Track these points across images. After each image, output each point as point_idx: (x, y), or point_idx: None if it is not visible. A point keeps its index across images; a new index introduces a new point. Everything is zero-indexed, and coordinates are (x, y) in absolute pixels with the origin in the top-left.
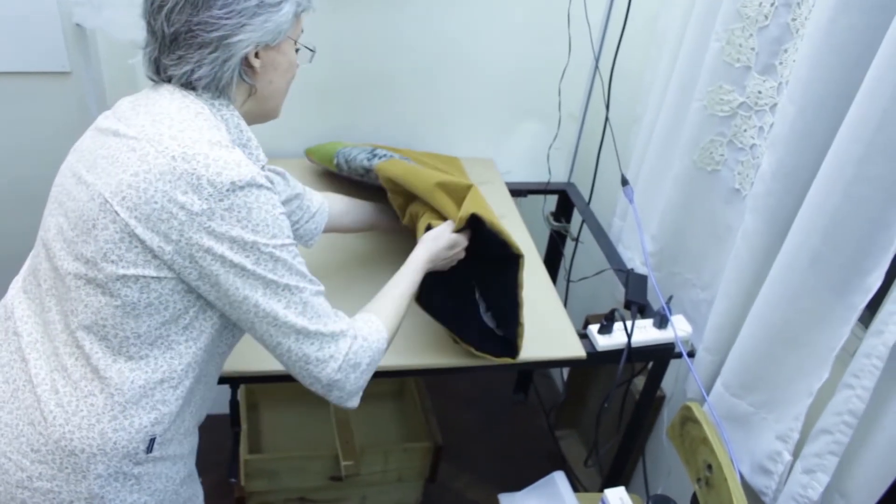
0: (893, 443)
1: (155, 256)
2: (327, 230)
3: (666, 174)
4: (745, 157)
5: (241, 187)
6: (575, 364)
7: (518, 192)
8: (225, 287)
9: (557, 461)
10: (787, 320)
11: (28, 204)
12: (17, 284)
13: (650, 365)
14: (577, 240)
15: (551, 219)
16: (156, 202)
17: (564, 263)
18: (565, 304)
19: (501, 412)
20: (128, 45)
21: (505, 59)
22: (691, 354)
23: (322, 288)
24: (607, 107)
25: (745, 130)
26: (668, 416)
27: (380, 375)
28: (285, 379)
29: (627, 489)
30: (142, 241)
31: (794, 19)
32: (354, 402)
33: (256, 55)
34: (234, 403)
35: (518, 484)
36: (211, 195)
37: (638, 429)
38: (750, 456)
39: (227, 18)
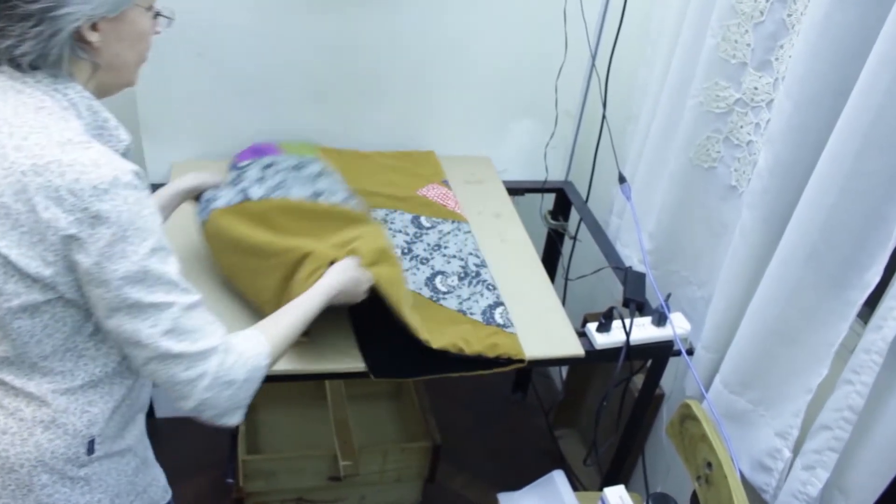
0: (893, 438)
1: (36, 280)
2: None
3: (662, 171)
4: (742, 153)
5: (105, 190)
6: (573, 362)
7: (515, 190)
8: (95, 301)
9: (556, 460)
10: (786, 317)
11: None
12: None
13: (649, 363)
14: (574, 238)
15: (549, 217)
16: (21, 225)
17: (562, 262)
18: (563, 303)
19: (500, 412)
20: None
21: (501, 57)
22: (690, 352)
23: (196, 298)
24: (604, 104)
25: (742, 127)
26: (667, 414)
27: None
28: (283, 379)
29: (627, 488)
30: (20, 269)
31: (789, 15)
32: (234, 420)
33: (95, 28)
34: None
35: (517, 483)
36: (74, 206)
37: (637, 427)
38: (749, 453)
39: None
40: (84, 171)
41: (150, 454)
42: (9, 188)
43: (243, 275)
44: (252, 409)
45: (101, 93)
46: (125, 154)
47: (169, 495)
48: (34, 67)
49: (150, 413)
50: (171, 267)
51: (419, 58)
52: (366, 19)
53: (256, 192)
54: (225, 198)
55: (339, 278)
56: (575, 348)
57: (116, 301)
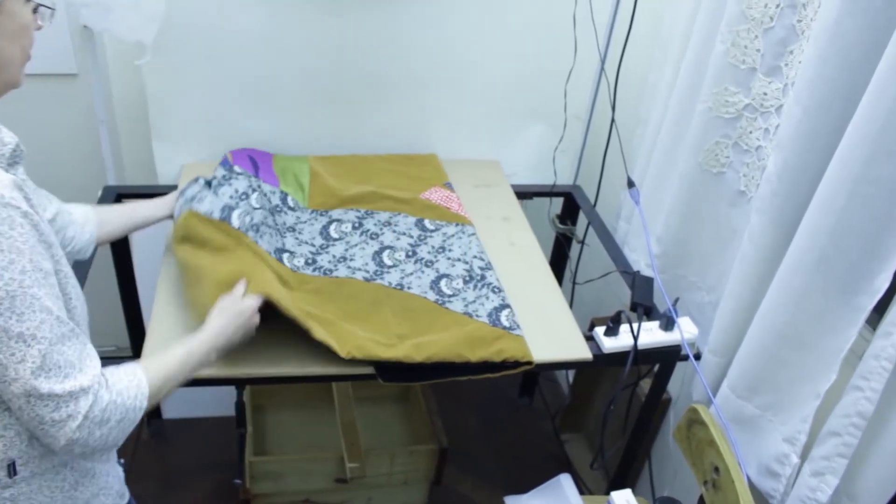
0: None
1: None
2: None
3: (671, 176)
4: (751, 158)
5: None
6: (581, 366)
7: (524, 194)
8: None
9: (563, 464)
10: (794, 322)
11: None
12: None
13: (656, 368)
14: (582, 242)
15: (557, 221)
16: None
17: (570, 266)
18: (570, 307)
19: (506, 415)
20: (135, 46)
21: (510, 61)
22: (697, 357)
23: (70, 328)
24: (613, 109)
25: (751, 132)
26: (673, 418)
27: (396, 379)
28: (291, 381)
29: (633, 492)
30: None
31: (799, 21)
32: (104, 456)
33: None
34: (239, 405)
35: (523, 487)
36: None
37: (644, 431)
38: (757, 458)
39: None
40: None
41: (93, 467)
42: None
43: (185, 275)
44: (260, 411)
45: None
46: (13, 159)
47: (125, 501)
48: None
49: (158, 414)
50: (44, 291)
51: (428, 61)
52: (374, 23)
53: (236, 221)
54: (207, 205)
55: (218, 321)
56: (583, 352)
57: None
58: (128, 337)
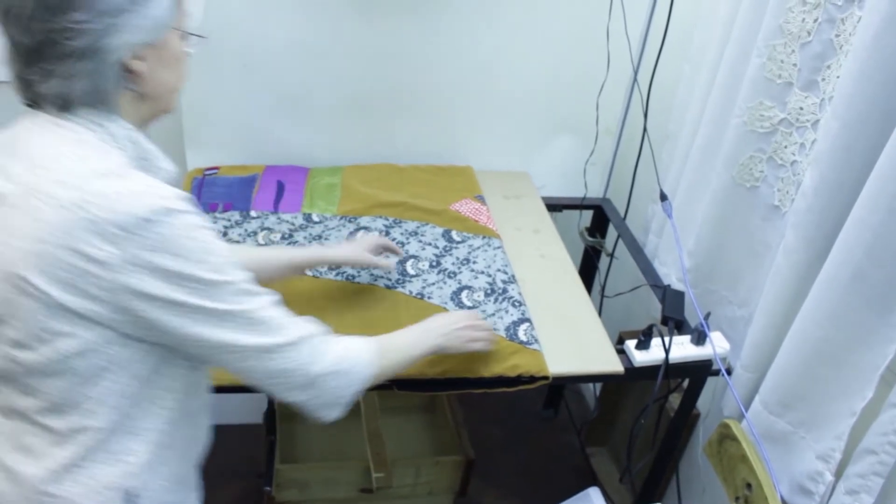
0: None
1: (89, 321)
2: None
3: (704, 190)
4: (786, 173)
5: (149, 220)
6: (612, 379)
7: (553, 206)
8: (165, 329)
9: (587, 478)
10: (829, 338)
11: None
12: None
13: (685, 383)
14: (612, 255)
15: (586, 234)
16: (69, 263)
17: (598, 278)
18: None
19: (531, 428)
20: None
21: (542, 73)
22: (728, 372)
23: (276, 297)
24: (645, 123)
25: (786, 147)
26: (703, 434)
27: (412, 388)
28: None
29: None
30: (71, 310)
31: (837, 35)
32: (333, 414)
33: (139, 57)
34: (269, 413)
35: (547, 500)
36: (120, 237)
37: (673, 446)
38: (789, 476)
39: (92, 22)
40: (127, 202)
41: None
42: (53, 224)
43: None
44: (288, 420)
45: (142, 122)
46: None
47: None
48: (84, 106)
49: None
50: (240, 276)
51: (460, 72)
52: (408, 34)
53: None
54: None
55: (438, 321)
56: (614, 365)
57: (196, 319)
58: None
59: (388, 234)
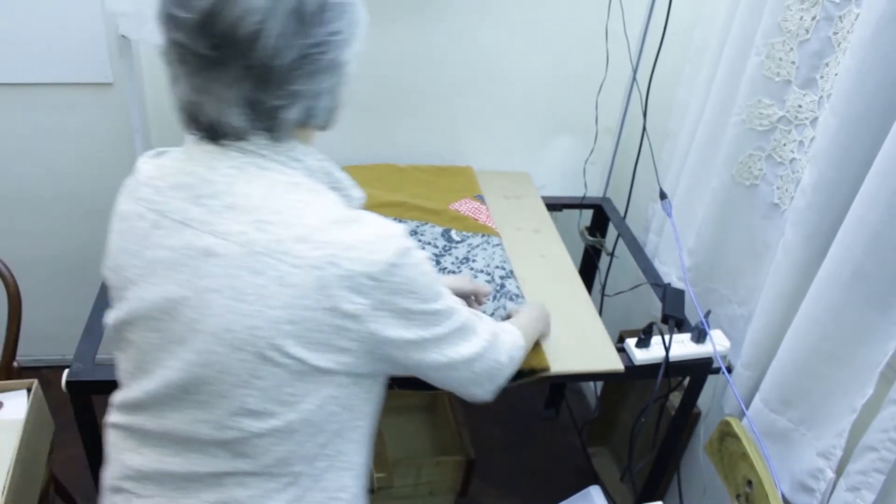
0: None
1: (333, 373)
2: None
3: (703, 189)
4: (785, 171)
5: (394, 265)
6: (612, 378)
7: (553, 206)
8: (403, 363)
9: (589, 478)
10: (829, 336)
11: (71, 210)
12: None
13: (686, 381)
14: (612, 254)
15: (586, 233)
16: (326, 324)
17: (599, 278)
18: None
19: (532, 428)
20: None
21: (541, 73)
22: (729, 370)
23: (460, 300)
24: (644, 122)
25: (785, 145)
26: (703, 432)
27: (412, 387)
28: None
29: None
30: (321, 369)
31: (835, 33)
32: (487, 397)
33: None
34: None
35: (548, 500)
36: (372, 288)
37: (674, 445)
38: (790, 473)
39: (338, 33)
40: (373, 250)
41: None
42: (306, 288)
43: None
44: None
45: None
46: None
47: None
48: (274, 136)
49: None
50: (445, 291)
51: (459, 73)
52: (408, 35)
53: None
54: None
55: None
56: (615, 363)
57: (429, 348)
58: None
59: None
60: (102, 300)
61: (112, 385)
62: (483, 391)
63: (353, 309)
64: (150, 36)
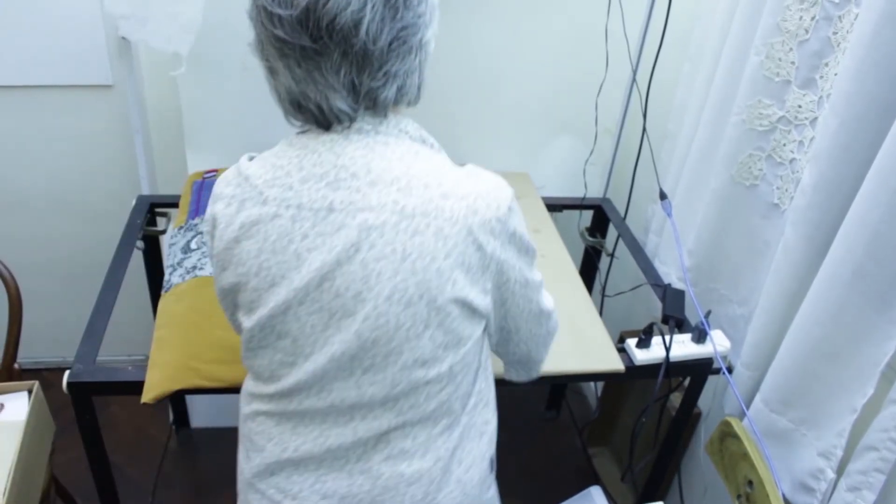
0: None
1: (482, 314)
2: None
3: (703, 189)
4: (785, 171)
5: (510, 208)
6: (612, 378)
7: (553, 206)
8: (514, 302)
9: (590, 479)
10: (829, 336)
11: (70, 213)
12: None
13: (686, 382)
14: (612, 255)
15: (586, 234)
16: (478, 267)
17: (599, 278)
18: None
19: (533, 429)
20: (171, 57)
21: (541, 74)
22: (729, 370)
23: None
24: (644, 122)
25: (785, 145)
26: (704, 433)
27: None
28: None
29: None
30: (478, 312)
31: (835, 33)
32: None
33: None
34: None
35: (549, 500)
36: (501, 230)
37: (674, 445)
38: (790, 473)
39: (423, 15)
40: (499, 197)
41: None
42: (461, 238)
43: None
44: None
45: None
46: None
47: None
48: (402, 104)
49: (186, 422)
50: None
51: (459, 74)
52: None
53: None
54: (210, 266)
55: None
56: (615, 363)
57: (530, 291)
58: None
59: None
60: (104, 303)
61: (112, 387)
62: (542, 358)
63: (491, 249)
64: (149, 37)
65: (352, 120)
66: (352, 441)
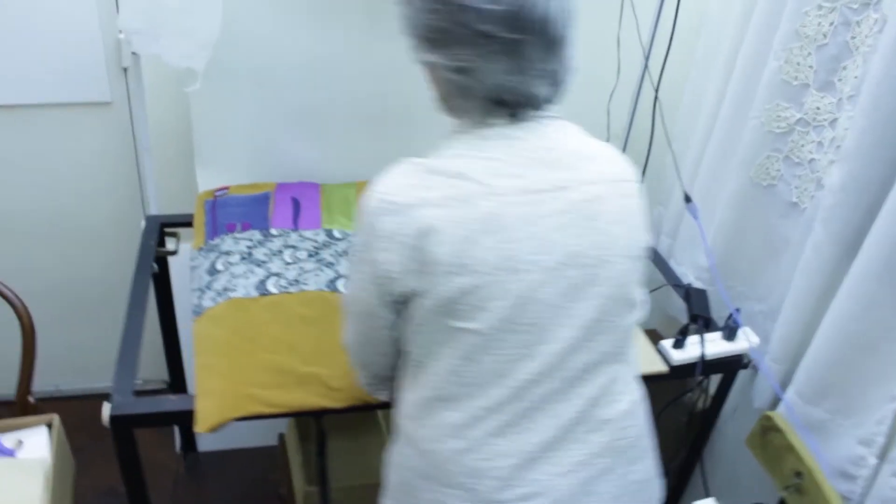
0: None
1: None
2: None
3: (720, 190)
4: (804, 171)
5: None
6: (656, 379)
7: None
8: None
9: None
10: (864, 330)
11: (66, 233)
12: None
13: (702, 380)
14: None
15: None
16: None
17: None
18: None
19: None
20: (172, 73)
21: None
22: (756, 366)
23: None
24: (652, 128)
25: (803, 146)
26: (731, 428)
27: None
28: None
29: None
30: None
31: (853, 37)
32: None
33: None
34: (320, 434)
35: None
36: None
37: (703, 442)
38: (827, 461)
39: (575, 2)
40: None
41: None
42: (636, 192)
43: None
44: (307, 440)
45: None
46: None
47: None
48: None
49: (192, 447)
50: None
51: None
52: None
53: (274, 288)
54: (242, 290)
55: None
56: (658, 364)
57: None
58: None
59: None
60: (132, 330)
61: (157, 418)
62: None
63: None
64: (164, 52)
65: (543, 107)
66: (582, 405)
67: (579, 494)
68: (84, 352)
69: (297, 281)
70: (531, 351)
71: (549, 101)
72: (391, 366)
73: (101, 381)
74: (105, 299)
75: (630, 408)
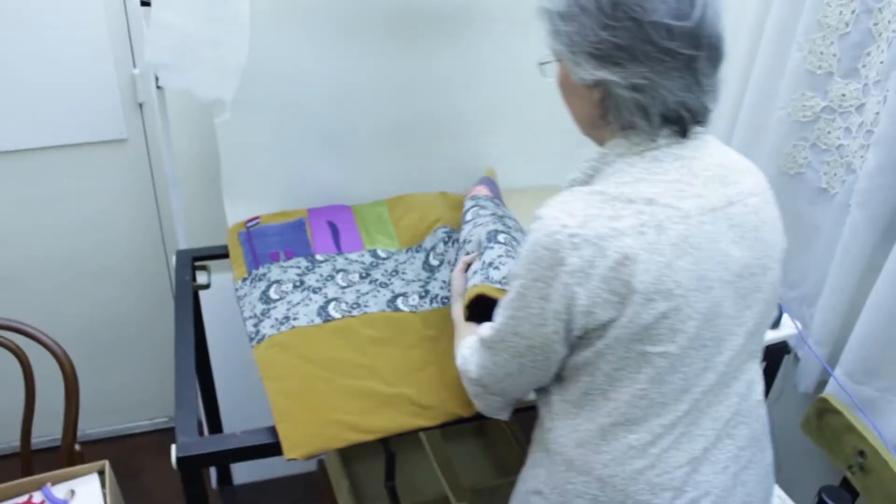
0: None
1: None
2: None
3: None
4: (832, 157)
5: None
6: None
7: None
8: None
9: None
10: None
11: (91, 273)
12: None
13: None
14: None
15: None
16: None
17: None
18: None
19: None
20: (189, 107)
21: None
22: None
23: None
24: None
25: (830, 132)
26: (775, 414)
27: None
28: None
29: None
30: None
31: (875, 24)
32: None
33: None
34: (388, 454)
35: None
36: None
37: None
38: (886, 438)
39: None
40: None
41: None
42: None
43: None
44: (348, 461)
45: None
46: None
47: None
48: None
49: (228, 480)
50: None
51: (491, 92)
52: (435, 62)
53: (336, 313)
54: (304, 319)
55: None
56: None
57: None
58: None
59: (449, 238)
60: (184, 368)
61: (225, 456)
62: None
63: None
64: (193, 86)
65: (705, 121)
66: (735, 403)
67: (733, 488)
68: (103, 395)
69: (357, 304)
70: (710, 363)
71: (708, 116)
72: (531, 391)
73: (124, 422)
74: (130, 339)
75: (761, 397)
